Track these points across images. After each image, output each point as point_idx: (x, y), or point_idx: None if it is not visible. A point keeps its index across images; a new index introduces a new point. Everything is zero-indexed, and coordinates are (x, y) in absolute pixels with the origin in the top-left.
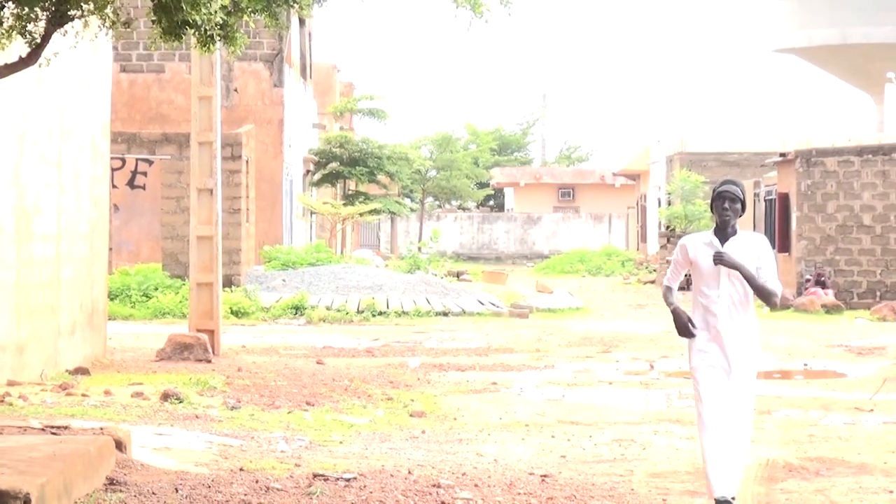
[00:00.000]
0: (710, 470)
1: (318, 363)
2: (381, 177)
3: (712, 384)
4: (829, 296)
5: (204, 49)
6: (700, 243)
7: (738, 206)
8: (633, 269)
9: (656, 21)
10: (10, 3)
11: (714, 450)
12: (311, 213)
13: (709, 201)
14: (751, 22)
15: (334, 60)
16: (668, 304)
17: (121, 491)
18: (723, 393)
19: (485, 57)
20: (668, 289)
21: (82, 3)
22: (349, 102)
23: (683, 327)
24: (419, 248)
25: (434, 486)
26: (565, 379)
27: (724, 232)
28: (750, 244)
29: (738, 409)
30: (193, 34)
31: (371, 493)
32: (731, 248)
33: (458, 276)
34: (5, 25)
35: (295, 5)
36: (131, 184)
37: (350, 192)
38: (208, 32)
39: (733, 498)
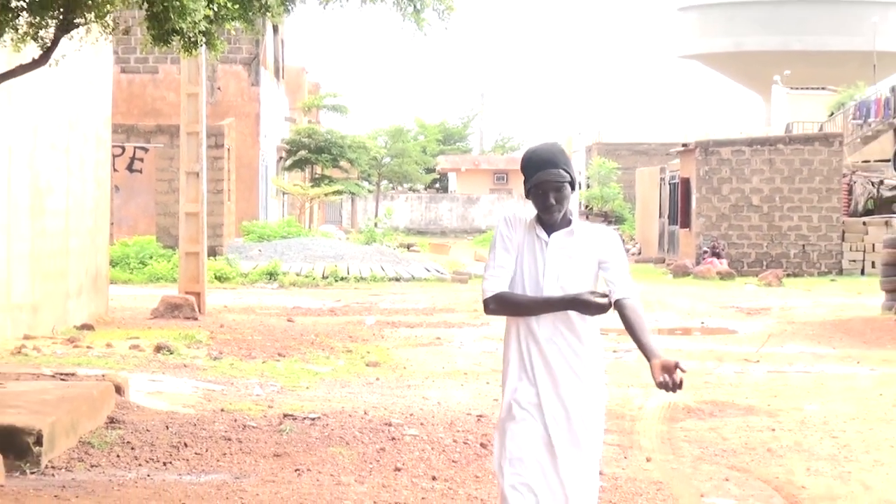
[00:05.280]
0: None
1: (288, 321)
2: (343, 163)
3: (529, 440)
4: (723, 265)
5: (187, 53)
6: (525, 226)
7: (567, 191)
8: None
9: (578, 30)
10: (24, 12)
11: None
12: (283, 193)
13: (529, 182)
14: (659, 31)
15: (303, 63)
16: (524, 306)
17: (120, 428)
18: (545, 455)
19: (431, 60)
20: (499, 298)
21: (86, 13)
22: (316, 99)
23: (587, 302)
24: (375, 224)
25: (386, 424)
26: (498, 334)
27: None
28: (588, 240)
29: (571, 479)
30: (179, 41)
31: (333, 430)
32: (561, 241)
33: (408, 248)
34: (20, 31)
35: (268, 13)
36: (130, 168)
37: (316, 176)
38: (192, 39)
39: None
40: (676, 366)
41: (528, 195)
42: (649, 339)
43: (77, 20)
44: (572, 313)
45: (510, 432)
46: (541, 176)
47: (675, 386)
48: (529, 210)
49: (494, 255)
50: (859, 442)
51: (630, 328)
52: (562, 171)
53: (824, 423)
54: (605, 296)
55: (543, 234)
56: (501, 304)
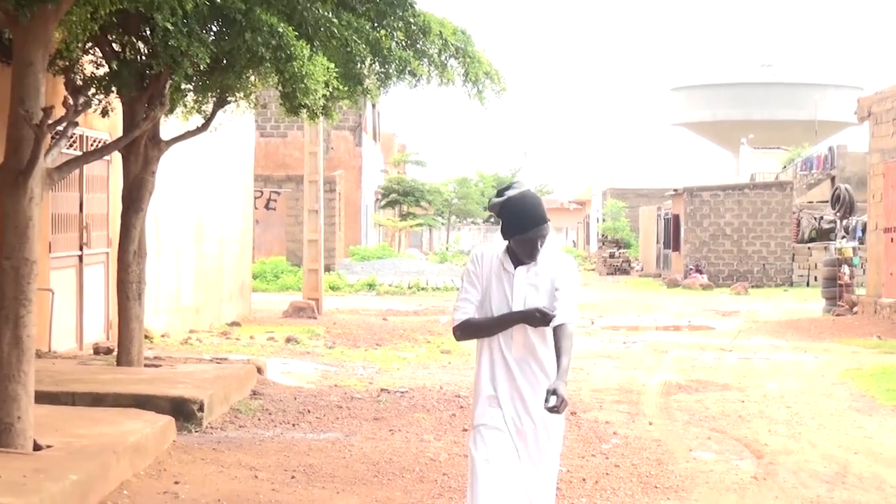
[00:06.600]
0: None
1: (383, 319)
2: (423, 203)
3: (497, 453)
4: (704, 279)
5: (311, 121)
6: (494, 261)
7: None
8: (580, 261)
9: (598, 104)
10: (191, 92)
11: None
12: (379, 225)
13: (524, 234)
14: (657, 106)
15: (394, 129)
16: (484, 326)
17: (260, 399)
18: (511, 467)
19: (489, 126)
20: (464, 325)
21: (236, 93)
22: (403, 156)
23: (532, 313)
24: (447, 248)
25: (456, 396)
26: None
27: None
28: (549, 269)
29: (532, 488)
30: (305, 112)
31: (417, 400)
32: (525, 273)
33: None
34: (188, 107)
35: (368, 94)
36: (266, 207)
37: (403, 213)
38: (315, 111)
39: None
40: (556, 397)
41: (511, 239)
42: (565, 363)
43: (229, 98)
44: (539, 339)
45: (484, 436)
46: (537, 231)
47: (554, 410)
48: (496, 246)
49: (463, 289)
50: (807, 411)
51: (557, 350)
52: (550, 225)
53: (781, 397)
54: (551, 311)
55: (510, 267)
56: (466, 329)
